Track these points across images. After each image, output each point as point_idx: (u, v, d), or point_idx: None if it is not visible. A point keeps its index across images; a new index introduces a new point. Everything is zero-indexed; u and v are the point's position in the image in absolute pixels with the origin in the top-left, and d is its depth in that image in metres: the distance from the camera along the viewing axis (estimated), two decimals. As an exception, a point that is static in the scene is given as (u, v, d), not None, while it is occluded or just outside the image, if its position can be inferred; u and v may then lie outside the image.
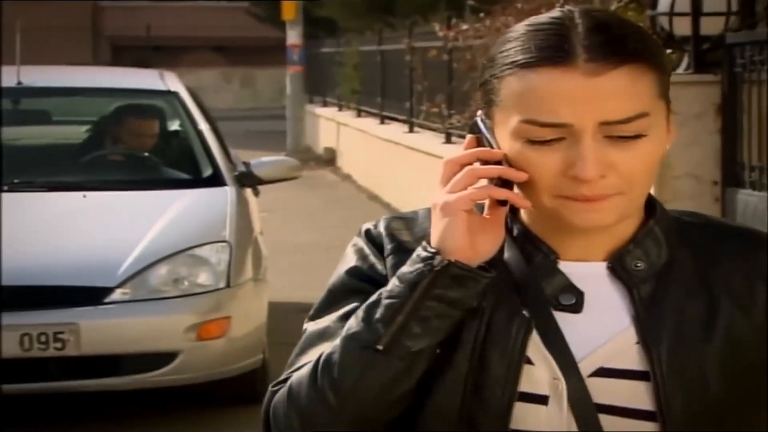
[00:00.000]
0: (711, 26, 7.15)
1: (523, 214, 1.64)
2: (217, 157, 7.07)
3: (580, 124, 1.52)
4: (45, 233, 6.32)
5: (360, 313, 1.59)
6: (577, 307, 1.59)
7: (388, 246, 1.66)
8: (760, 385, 1.61)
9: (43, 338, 5.81)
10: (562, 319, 1.59)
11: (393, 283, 1.58)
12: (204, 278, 6.18)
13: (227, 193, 6.79)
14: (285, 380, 1.63)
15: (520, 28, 1.58)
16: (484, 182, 1.58)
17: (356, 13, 20.38)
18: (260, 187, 7.34)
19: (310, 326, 1.67)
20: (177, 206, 6.62)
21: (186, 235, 6.32)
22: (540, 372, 1.58)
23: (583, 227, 1.57)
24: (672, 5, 7.27)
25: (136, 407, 6.48)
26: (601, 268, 1.61)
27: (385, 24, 17.30)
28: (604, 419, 1.56)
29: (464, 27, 11.49)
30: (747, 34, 6.85)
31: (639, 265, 1.60)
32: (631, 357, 1.58)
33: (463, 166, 1.58)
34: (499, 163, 1.57)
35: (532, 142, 1.54)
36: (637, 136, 1.54)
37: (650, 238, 1.62)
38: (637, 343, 1.58)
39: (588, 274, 1.61)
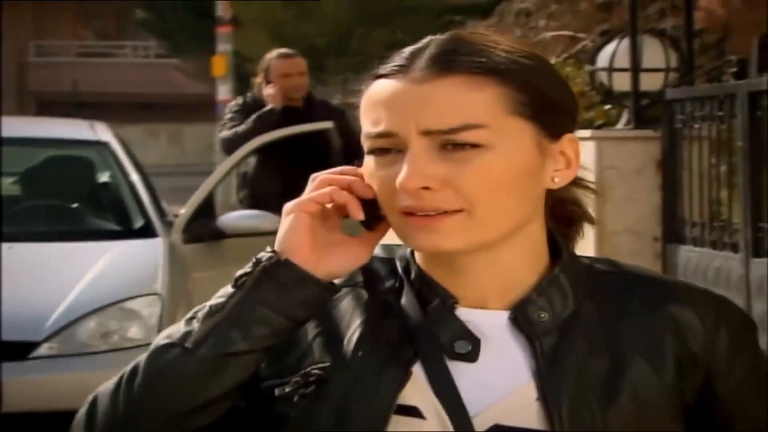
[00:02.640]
0: (650, 82, 7.16)
1: (419, 258, 1.55)
2: (149, 208, 6.92)
3: (404, 132, 1.46)
4: (-31, 286, 6.11)
5: (187, 314, 1.52)
6: (472, 356, 1.48)
7: None
8: None
9: (-35, 395, 5.59)
10: (458, 369, 1.48)
11: (227, 285, 1.51)
12: (135, 332, 5.99)
13: (159, 244, 6.63)
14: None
15: None
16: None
17: (287, 70, 20.32)
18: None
19: None
20: (107, 258, 6.44)
21: (116, 287, 6.14)
22: (430, 426, 1.46)
23: (424, 249, 1.49)
24: (611, 61, 7.28)
25: (62, 467, 6.26)
26: (501, 317, 1.51)
27: (317, 81, 17.28)
28: None
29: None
30: (687, 90, 6.86)
31: (543, 315, 1.50)
32: (530, 415, 1.47)
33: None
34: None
35: (375, 156, 1.49)
36: (473, 148, 1.44)
37: (555, 287, 1.51)
38: (537, 399, 1.47)
39: (487, 323, 1.50)
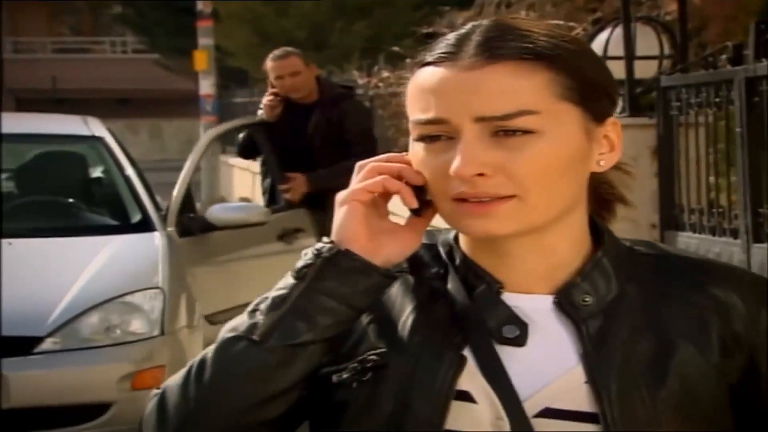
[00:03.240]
0: (644, 70, 7.18)
1: (464, 243, 1.56)
2: (146, 202, 6.91)
3: (456, 119, 1.46)
4: (-31, 282, 6.09)
5: (249, 306, 1.52)
6: (521, 340, 1.49)
7: None
8: (715, 426, 1.51)
9: (-32, 391, 5.58)
10: (507, 353, 1.49)
11: (287, 275, 1.51)
12: (137, 326, 5.99)
13: (157, 238, 6.62)
14: None
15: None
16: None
17: (267, 64, 20.29)
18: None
19: None
20: (106, 253, 6.43)
21: (117, 282, 6.13)
22: (482, 411, 1.47)
23: (476, 235, 1.49)
24: (605, 49, 7.30)
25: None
26: (546, 301, 1.52)
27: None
28: None
29: (386, 74, 11.47)
30: (682, 77, 6.88)
31: (587, 299, 1.51)
32: (580, 397, 1.47)
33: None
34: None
35: (425, 143, 1.49)
36: (525, 134, 1.45)
37: (598, 271, 1.52)
38: (586, 382, 1.48)
39: (533, 307, 1.51)
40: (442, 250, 1.57)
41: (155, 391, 1.54)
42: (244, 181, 19.27)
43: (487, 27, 1.50)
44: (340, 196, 1.52)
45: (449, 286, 1.54)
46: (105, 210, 7.16)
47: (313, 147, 7.22)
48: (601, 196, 1.61)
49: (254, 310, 1.51)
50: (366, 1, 20.57)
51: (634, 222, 6.90)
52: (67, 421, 5.73)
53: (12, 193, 7.46)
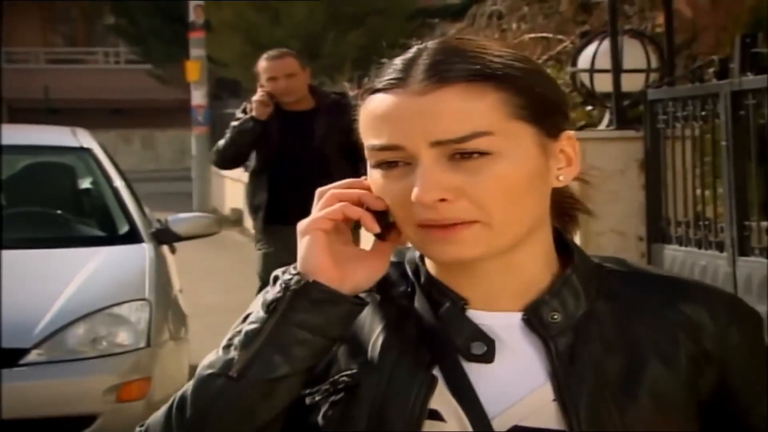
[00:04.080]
0: (631, 83, 7.20)
1: (429, 262, 1.55)
2: (134, 213, 6.91)
3: (412, 145, 1.46)
4: (-44, 293, 6.08)
5: (223, 341, 1.52)
6: (488, 356, 1.49)
7: None
8: None
9: (-46, 403, 5.57)
10: (475, 371, 1.49)
11: (257, 308, 1.51)
12: (123, 338, 5.99)
13: (145, 249, 6.62)
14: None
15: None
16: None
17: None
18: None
19: None
20: (93, 264, 6.43)
21: (104, 293, 6.13)
22: (451, 429, 1.47)
23: (443, 260, 1.49)
24: (592, 62, 7.31)
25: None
26: (514, 318, 1.52)
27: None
28: None
29: (376, 86, 11.48)
30: (669, 91, 6.90)
31: (555, 317, 1.51)
32: (548, 415, 1.48)
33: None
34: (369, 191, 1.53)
35: (382, 170, 1.49)
36: (482, 156, 1.45)
37: (567, 288, 1.52)
38: (554, 400, 1.48)
39: (500, 324, 1.51)
40: (408, 269, 1.58)
41: (138, 429, 1.55)
42: (235, 192, 19.26)
43: (434, 50, 1.50)
44: (302, 225, 1.51)
45: (416, 304, 1.54)
46: (93, 221, 7.16)
47: (326, 155, 6.73)
48: (565, 209, 1.61)
49: (228, 345, 1.51)
50: (359, 11, 20.60)
51: (622, 234, 6.91)
52: (54, 433, 5.73)
53: (0, 204, 7.45)
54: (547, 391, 1.49)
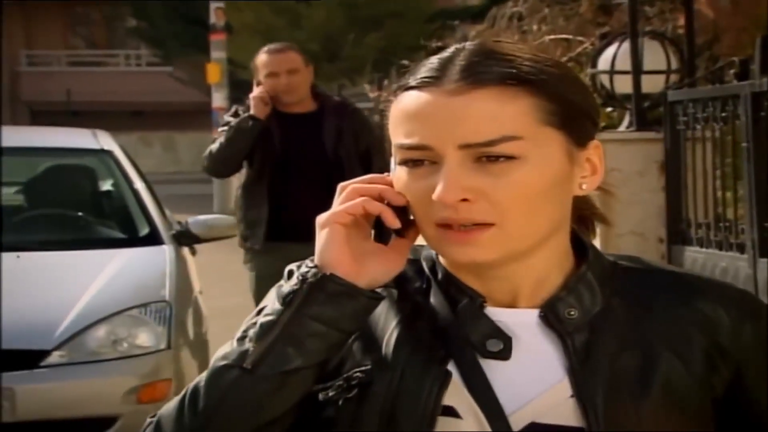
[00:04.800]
0: (651, 84, 7.18)
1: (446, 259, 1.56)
2: (154, 215, 6.92)
3: (440, 146, 1.46)
4: (-23, 295, 6.11)
5: (237, 333, 1.53)
6: (505, 354, 1.49)
7: None
8: None
9: (-24, 404, 5.60)
10: (491, 368, 1.49)
11: (272, 301, 1.51)
12: (144, 339, 6.00)
13: (165, 251, 6.63)
14: None
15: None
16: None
17: (281, 77, 20.32)
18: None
19: None
20: (114, 266, 6.45)
21: (125, 295, 6.15)
22: (467, 426, 1.48)
23: (459, 262, 1.50)
24: (612, 63, 7.30)
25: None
26: (531, 315, 1.52)
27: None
28: None
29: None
30: (689, 92, 6.88)
31: (572, 313, 1.52)
32: (565, 412, 1.48)
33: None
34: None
35: (408, 168, 1.50)
36: (508, 160, 1.45)
37: (583, 285, 1.53)
38: (572, 396, 1.48)
39: (517, 321, 1.52)
40: (425, 265, 1.58)
41: (149, 419, 1.55)
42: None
43: (471, 51, 1.50)
44: (321, 218, 1.52)
45: (432, 300, 1.54)
46: (114, 223, 7.17)
47: (340, 162, 6.07)
48: (582, 216, 1.61)
49: (243, 337, 1.51)
50: (379, 13, 20.62)
51: (641, 236, 6.90)
52: (74, 435, 5.75)
53: (21, 206, 7.49)
54: (564, 388, 1.49)
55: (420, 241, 1.55)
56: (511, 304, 1.53)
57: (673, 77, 7.25)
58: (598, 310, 1.53)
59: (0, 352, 5.67)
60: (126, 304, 6.05)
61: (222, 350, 1.53)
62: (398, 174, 1.51)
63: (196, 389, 1.51)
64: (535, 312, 1.52)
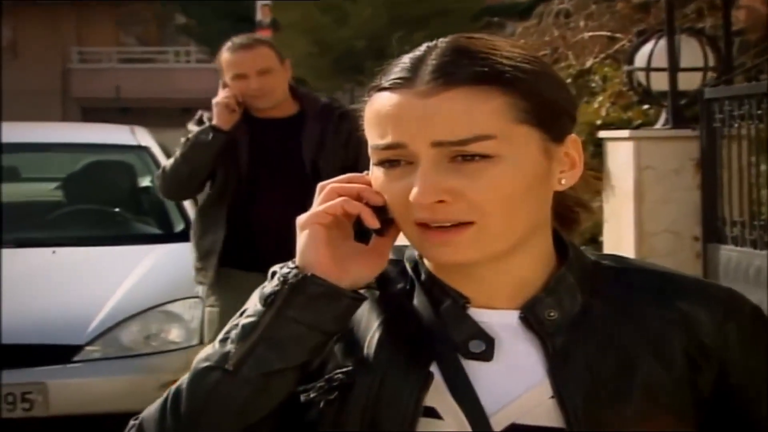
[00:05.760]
0: (688, 81, 7.13)
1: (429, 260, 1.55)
2: (190, 212, 6.96)
3: (414, 144, 1.45)
4: (12, 290, 6.16)
5: (219, 335, 1.51)
6: (487, 355, 1.49)
7: None
8: None
9: (10, 399, 5.65)
10: (472, 369, 1.48)
11: (255, 302, 1.50)
12: (176, 335, 6.05)
13: (200, 248, 6.65)
14: None
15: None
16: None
17: (326, 74, 20.41)
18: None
19: None
20: (148, 262, 6.49)
21: (157, 291, 6.19)
22: (448, 427, 1.47)
23: (439, 262, 1.50)
24: (649, 61, 7.26)
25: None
26: (511, 316, 1.51)
27: (356, 83, 17.32)
28: None
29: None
30: (725, 89, 6.83)
31: (552, 314, 1.50)
32: (546, 413, 1.47)
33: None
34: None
35: (384, 168, 1.48)
36: (483, 159, 1.44)
37: (563, 286, 1.52)
38: (552, 397, 1.48)
39: (499, 322, 1.51)
40: (408, 266, 1.57)
41: (132, 422, 1.55)
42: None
43: (443, 50, 1.49)
44: (301, 219, 1.51)
45: (415, 301, 1.54)
46: (150, 219, 7.22)
47: (321, 175, 4.49)
48: (567, 209, 1.60)
49: (225, 339, 1.50)
50: (425, 11, 20.61)
51: (676, 234, 6.85)
52: (107, 430, 5.78)
53: (60, 201, 7.56)
54: (544, 389, 1.48)
55: (402, 240, 1.56)
56: (493, 305, 1.52)
57: (711, 74, 7.20)
58: (578, 311, 1.52)
59: (35, 347, 5.73)
60: (159, 300, 6.09)
61: (204, 352, 1.52)
62: (375, 175, 1.51)
63: (178, 391, 1.50)
64: (516, 313, 1.52)
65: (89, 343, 5.82)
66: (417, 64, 1.48)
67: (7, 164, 7.90)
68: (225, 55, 4.99)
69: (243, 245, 4.96)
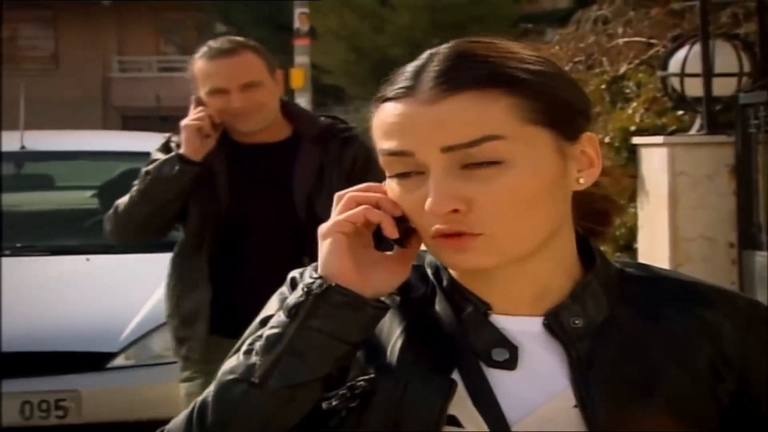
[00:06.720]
0: (723, 87, 7.09)
1: None
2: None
3: (423, 152, 1.43)
4: (46, 297, 6.21)
5: (243, 346, 1.49)
6: (511, 364, 1.47)
7: None
8: None
9: (44, 406, 5.67)
10: (494, 377, 1.46)
11: (278, 313, 1.48)
12: (208, 343, 6.03)
13: (232, 256, 6.66)
14: None
15: None
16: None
17: (362, 81, 20.43)
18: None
19: None
20: (181, 270, 6.49)
21: (190, 299, 6.18)
22: None
23: (458, 269, 1.49)
24: (683, 66, 7.22)
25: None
26: (535, 323, 1.49)
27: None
28: None
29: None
30: (761, 95, 6.78)
31: (577, 322, 1.48)
32: (568, 421, 1.45)
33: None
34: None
35: (398, 178, 1.47)
36: (495, 164, 1.42)
37: (588, 293, 1.50)
38: (575, 406, 1.45)
39: (521, 329, 1.49)
40: (429, 272, 1.56)
41: None
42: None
43: (444, 56, 1.47)
44: (323, 228, 1.49)
45: (437, 307, 1.52)
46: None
47: (319, 219, 2.93)
48: (594, 208, 1.58)
49: (249, 351, 1.48)
50: (463, 18, 20.60)
51: (711, 241, 6.81)
52: (139, 437, 5.81)
53: (96, 209, 7.58)
54: (567, 397, 1.46)
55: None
56: (515, 312, 1.50)
57: (745, 80, 7.15)
58: (603, 319, 1.50)
59: (68, 355, 5.76)
60: (191, 307, 6.09)
61: (228, 364, 1.50)
62: (390, 186, 1.49)
63: (204, 404, 1.48)
64: (538, 320, 1.50)
65: (122, 351, 5.84)
66: (419, 72, 1.47)
67: (41, 172, 7.94)
68: (199, 63, 3.85)
69: (230, 307, 3.86)
